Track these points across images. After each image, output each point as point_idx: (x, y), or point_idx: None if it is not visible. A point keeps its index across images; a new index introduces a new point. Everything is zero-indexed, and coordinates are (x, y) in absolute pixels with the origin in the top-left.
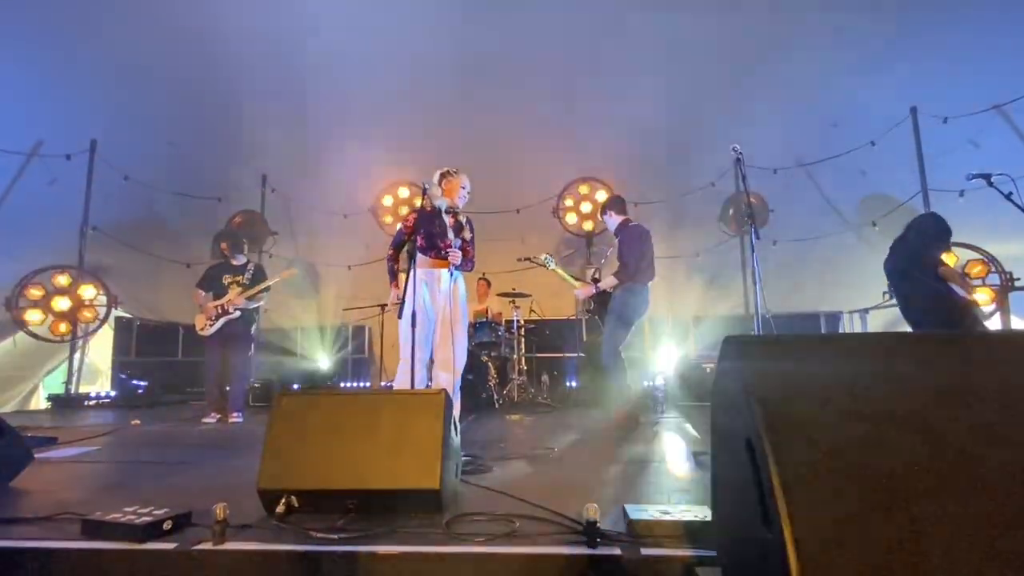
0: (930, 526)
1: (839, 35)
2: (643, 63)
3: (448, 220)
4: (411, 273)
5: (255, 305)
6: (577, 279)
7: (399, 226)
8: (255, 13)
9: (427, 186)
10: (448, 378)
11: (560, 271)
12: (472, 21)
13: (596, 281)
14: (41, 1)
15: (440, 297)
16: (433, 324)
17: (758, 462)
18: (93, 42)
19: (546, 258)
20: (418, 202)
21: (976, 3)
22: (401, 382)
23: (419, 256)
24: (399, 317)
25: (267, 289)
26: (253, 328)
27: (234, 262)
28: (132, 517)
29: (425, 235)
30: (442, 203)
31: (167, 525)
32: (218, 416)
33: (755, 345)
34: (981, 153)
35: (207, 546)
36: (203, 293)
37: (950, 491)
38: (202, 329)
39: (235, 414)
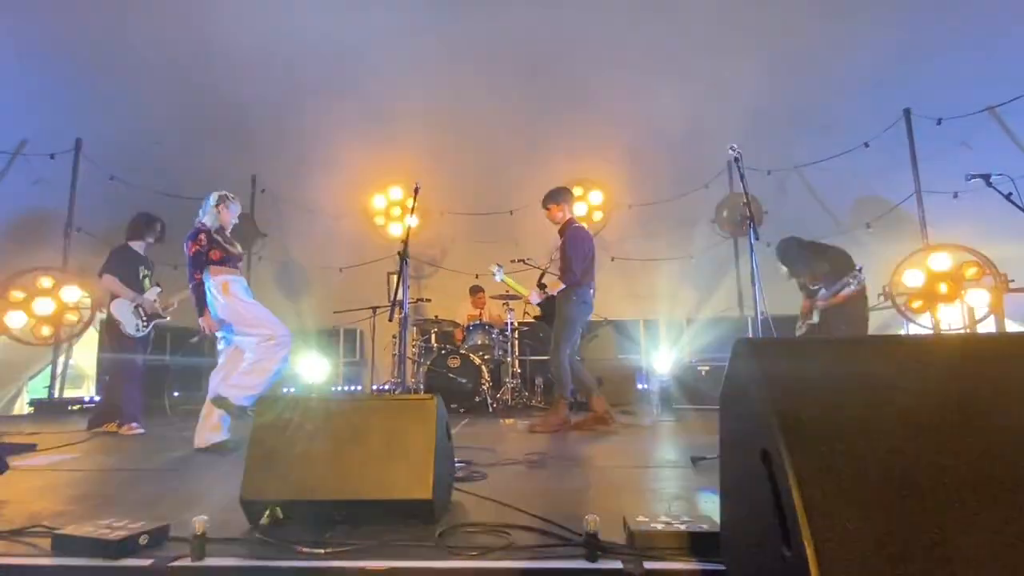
0: (963, 543)
1: (833, 37)
2: (636, 65)
3: None
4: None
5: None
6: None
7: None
8: (246, 13)
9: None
10: None
11: (509, 281)
12: (466, 22)
13: (543, 286)
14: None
15: None
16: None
17: (776, 475)
18: (79, 39)
19: (495, 271)
20: (410, 202)
21: (969, 5)
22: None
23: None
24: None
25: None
26: None
27: (141, 251)
28: (106, 531)
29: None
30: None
31: (143, 540)
32: (140, 426)
33: (770, 348)
34: (974, 155)
35: (185, 562)
36: (119, 281)
37: (983, 505)
38: (137, 330)
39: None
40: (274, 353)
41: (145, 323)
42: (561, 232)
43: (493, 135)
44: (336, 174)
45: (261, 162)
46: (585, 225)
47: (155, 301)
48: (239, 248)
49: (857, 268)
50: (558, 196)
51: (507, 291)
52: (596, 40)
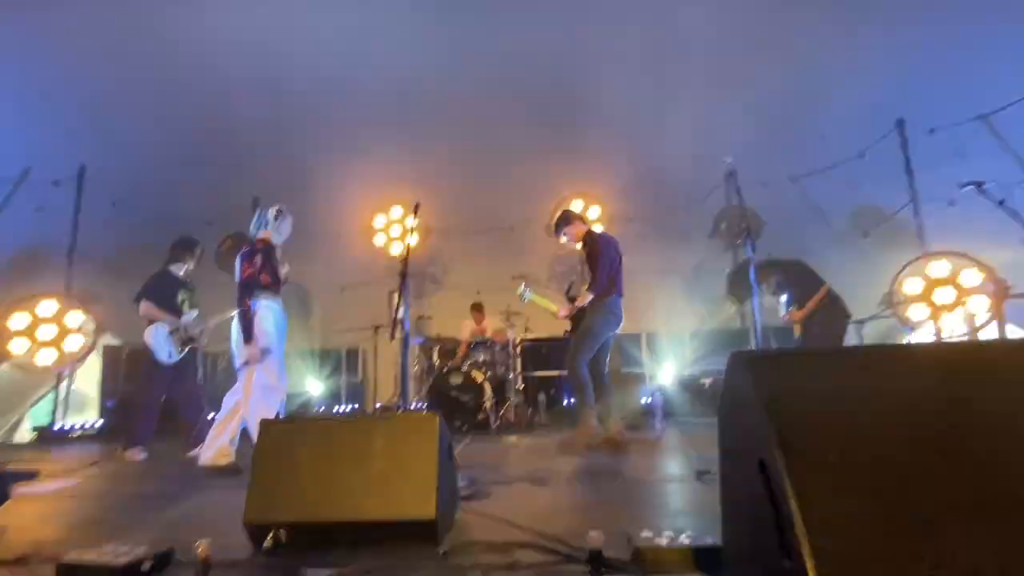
0: (961, 555)
1: (826, 50)
2: (632, 79)
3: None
4: None
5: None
6: (551, 301)
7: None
8: (245, 37)
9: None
10: None
11: (537, 299)
12: (466, 40)
13: (572, 299)
14: (28, 27)
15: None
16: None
17: (773, 485)
18: (82, 67)
19: (522, 291)
20: (409, 221)
21: (959, 14)
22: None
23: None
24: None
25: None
26: None
27: (181, 275)
28: (111, 557)
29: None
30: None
31: (147, 565)
32: (144, 452)
33: (765, 360)
34: (967, 163)
35: None
36: (155, 306)
37: (980, 516)
38: (169, 356)
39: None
40: (265, 401)
41: (180, 349)
42: (584, 245)
43: (492, 151)
44: (337, 194)
45: (262, 184)
46: (606, 232)
47: (192, 324)
48: (286, 268)
49: (781, 284)
50: (567, 218)
51: (507, 308)
52: (595, 56)
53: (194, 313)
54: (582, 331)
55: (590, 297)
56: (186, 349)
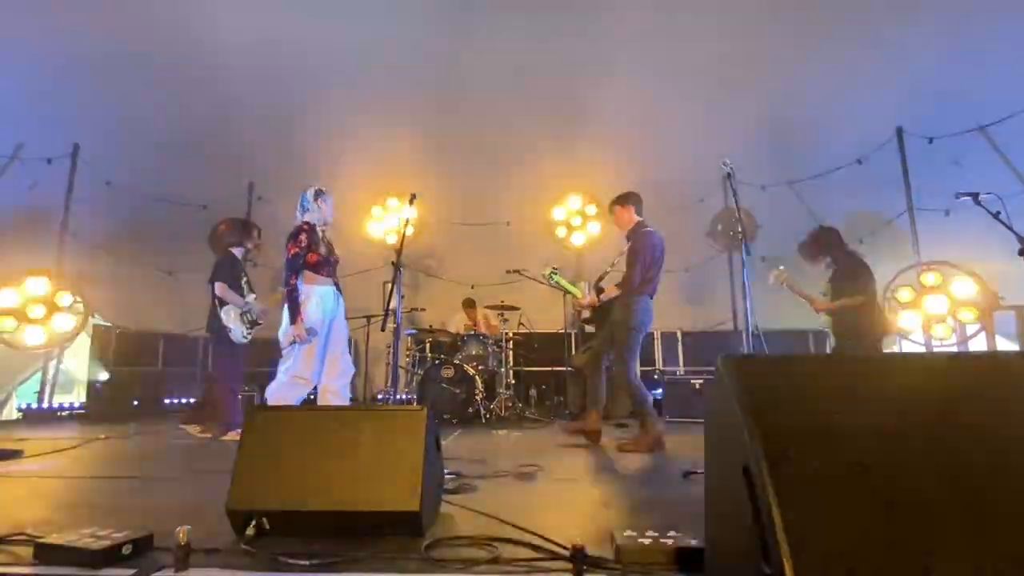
0: (941, 562)
1: (827, 55)
2: (632, 78)
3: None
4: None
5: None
6: (574, 283)
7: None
8: (243, 20)
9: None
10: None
11: (563, 282)
12: (463, 33)
13: (600, 291)
14: (23, 2)
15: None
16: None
17: (756, 491)
18: (77, 44)
19: (549, 272)
20: (405, 211)
21: (961, 25)
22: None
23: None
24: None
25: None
26: None
27: (240, 257)
28: (90, 540)
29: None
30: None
31: (126, 549)
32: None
33: (752, 365)
34: (965, 173)
35: (168, 572)
36: (229, 288)
37: (964, 523)
38: (243, 337)
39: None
40: (289, 390)
41: (249, 330)
42: (629, 237)
43: (491, 146)
44: (333, 182)
45: (258, 170)
46: (657, 231)
47: (255, 307)
48: (335, 252)
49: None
50: (624, 199)
51: (501, 303)
52: (596, 56)
53: (253, 296)
54: (623, 335)
55: (616, 293)
56: (252, 330)
